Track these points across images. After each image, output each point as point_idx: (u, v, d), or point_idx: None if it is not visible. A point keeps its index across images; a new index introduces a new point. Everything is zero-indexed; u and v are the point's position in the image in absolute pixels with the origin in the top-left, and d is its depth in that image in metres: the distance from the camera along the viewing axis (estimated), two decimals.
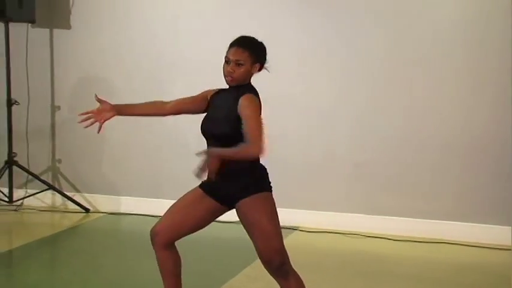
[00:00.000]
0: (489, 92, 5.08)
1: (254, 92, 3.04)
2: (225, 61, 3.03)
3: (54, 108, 6.08)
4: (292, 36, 5.47)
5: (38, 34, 5.98)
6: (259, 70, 3.10)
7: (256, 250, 3.02)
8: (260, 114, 2.99)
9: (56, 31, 5.99)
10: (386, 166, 5.34)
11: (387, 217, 5.33)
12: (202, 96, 3.19)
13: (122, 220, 5.76)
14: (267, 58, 3.11)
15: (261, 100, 3.06)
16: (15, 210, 5.89)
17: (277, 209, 5.72)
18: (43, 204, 6.07)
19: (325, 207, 5.49)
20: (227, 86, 3.10)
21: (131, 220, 5.73)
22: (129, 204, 5.88)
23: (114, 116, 3.15)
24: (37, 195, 5.97)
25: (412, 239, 5.12)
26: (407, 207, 5.29)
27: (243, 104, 2.95)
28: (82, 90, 6.03)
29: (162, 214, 5.56)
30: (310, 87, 5.46)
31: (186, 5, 5.71)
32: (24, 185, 6.02)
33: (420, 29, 5.20)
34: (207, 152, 2.97)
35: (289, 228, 5.36)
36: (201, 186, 3.13)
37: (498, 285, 4.22)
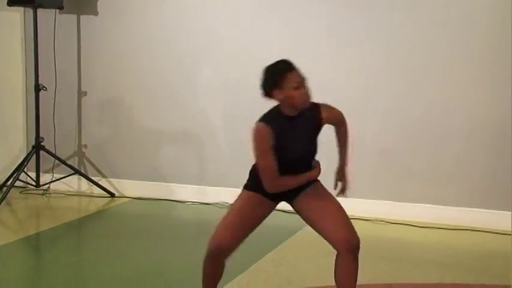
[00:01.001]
0: None
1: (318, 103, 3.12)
2: (295, 88, 2.90)
3: (81, 94, 6.14)
4: (319, 25, 5.46)
5: (66, 20, 6.03)
6: None
7: (332, 234, 3.01)
8: None
9: (83, 17, 6.04)
10: (411, 153, 5.32)
11: (412, 204, 5.31)
12: (269, 145, 2.96)
13: (146, 205, 5.81)
14: None
15: None
16: (42, 194, 5.98)
17: None
18: (69, 189, 6.14)
19: (349, 193, 5.47)
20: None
21: (156, 205, 5.77)
22: (154, 189, 5.93)
23: None
24: (63, 179, 6.04)
25: (436, 226, 5.11)
26: (432, 194, 5.27)
27: (329, 110, 3.13)
28: (109, 76, 6.08)
29: (185, 199, 5.62)
30: (338, 75, 5.45)
31: None
32: (51, 170, 6.10)
33: (444, 20, 5.16)
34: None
35: None
36: (250, 188, 3.09)
37: None
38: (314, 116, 3.03)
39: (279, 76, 2.91)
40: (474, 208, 5.15)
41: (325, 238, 3.05)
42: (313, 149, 3.09)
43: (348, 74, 5.43)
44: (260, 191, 3.04)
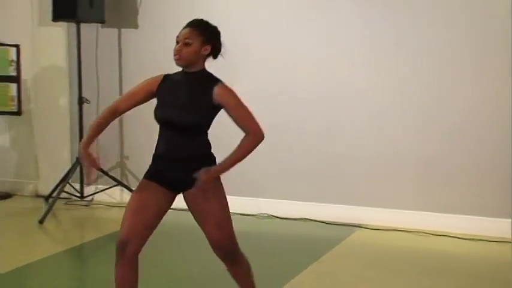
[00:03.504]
0: None
1: (219, 79, 3.01)
2: (176, 42, 2.99)
3: None
4: (356, 31, 5.47)
5: (107, 34, 6.13)
6: (212, 54, 3.04)
7: (208, 236, 3.02)
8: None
9: (124, 30, 6.14)
10: (453, 162, 5.25)
11: (453, 215, 5.24)
12: (149, 87, 3.09)
13: (184, 216, 5.81)
14: (221, 43, 3.08)
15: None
16: (86, 205, 6.07)
17: (341, 206, 5.71)
18: (112, 200, 6.21)
19: (389, 204, 5.45)
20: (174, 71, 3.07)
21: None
22: None
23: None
24: (106, 191, 6.11)
25: (479, 238, 5.02)
26: (473, 204, 5.19)
27: (222, 93, 2.93)
28: None
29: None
30: (374, 82, 5.44)
31: (252, 1, 5.78)
32: (94, 181, 6.19)
33: (477, 25, 5.12)
34: (208, 173, 2.91)
35: (353, 226, 5.35)
36: (147, 177, 3.06)
37: None
38: (204, 84, 2.97)
39: None
40: None
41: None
42: (197, 119, 2.96)
43: (384, 80, 5.42)
44: (151, 176, 3.03)
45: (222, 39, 3.09)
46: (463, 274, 4.31)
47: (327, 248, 4.78)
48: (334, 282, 4.13)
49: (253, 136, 2.98)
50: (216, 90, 2.94)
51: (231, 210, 3.08)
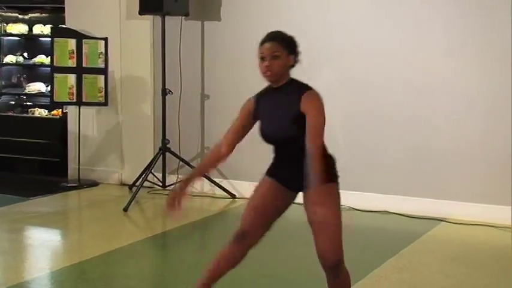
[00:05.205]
0: None
1: (311, 87, 2.99)
2: (260, 58, 2.99)
3: (204, 97, 6.32)
4: (443, 21, 5.39)
5: (191, 26, 6.24)
6: (294, 64, 3.03)
7: (315, 244, 2.97)
8: (324, 111, 2.93)
9: (207, 23, 6.23)
10: None
11: None
12: (246, 112, 3.15)
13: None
14: (298, 52, 3.06)
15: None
16: (167, 194, 6.17)
17: (424, 199, 5.62)
18: (193, 190, 6.31)
19: (474, 198, 5.32)
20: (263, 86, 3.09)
21: None
22: None
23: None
24: None
25: None
26: None
27: (309, 99, 2.92)
28: (230, 80, 6.22)
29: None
30: (461, 73, 5.35)
31: None
32: (176, 171, 6.31)
33: None
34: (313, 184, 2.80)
35: (436, 219, 5.26)
36: (269, 174, 3.15)
37: None
38: (297, 97, 2.95)
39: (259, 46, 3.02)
40: None
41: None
42: (293, 130, 2.95)
43: (471, 71, 5.33)
44: (273, 175, 3.11)
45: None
46: None
47: (408, 241, 4.72)
48: (414, 276, 4.08)
49: (314, 148, 2.87)
50: (304, 97, 2.95)
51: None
